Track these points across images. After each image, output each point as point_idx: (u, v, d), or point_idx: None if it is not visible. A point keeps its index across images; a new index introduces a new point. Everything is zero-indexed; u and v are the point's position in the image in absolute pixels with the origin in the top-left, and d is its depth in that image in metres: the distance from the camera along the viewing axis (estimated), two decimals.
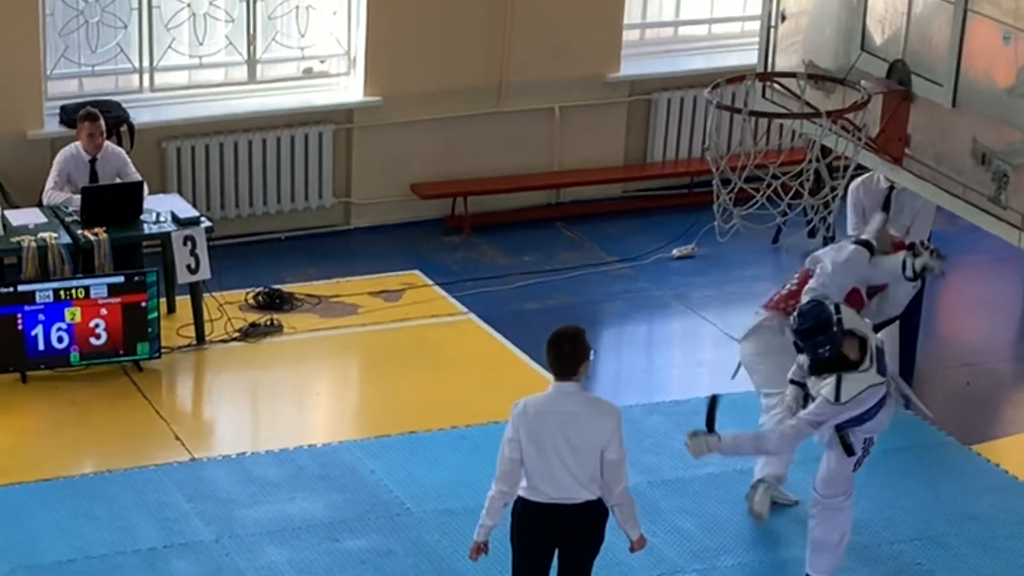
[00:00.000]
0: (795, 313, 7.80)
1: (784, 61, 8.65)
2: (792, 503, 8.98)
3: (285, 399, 10.28)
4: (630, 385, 10.55)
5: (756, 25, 12.43)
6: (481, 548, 7.23)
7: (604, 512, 7.16)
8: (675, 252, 12.26)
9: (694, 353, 11.07)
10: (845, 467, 8.05)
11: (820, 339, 7.63)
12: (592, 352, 7.05)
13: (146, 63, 11.95)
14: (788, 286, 8.79)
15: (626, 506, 7.13)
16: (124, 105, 11.74)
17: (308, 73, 12.42)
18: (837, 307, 7.73)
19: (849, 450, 7.94)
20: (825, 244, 10.90)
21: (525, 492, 7.12)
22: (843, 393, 7.62)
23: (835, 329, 7.63)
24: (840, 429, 7.90)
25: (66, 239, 10.35)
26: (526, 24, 12.52)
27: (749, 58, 11.41)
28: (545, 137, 12.88)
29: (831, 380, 7.62)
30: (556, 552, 7.26)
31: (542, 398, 7.07)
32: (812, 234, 11.99)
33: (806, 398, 7.89)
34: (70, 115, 11.40)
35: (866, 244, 8.60)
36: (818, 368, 7.71)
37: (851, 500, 8.15)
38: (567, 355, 6.98)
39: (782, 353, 8.35)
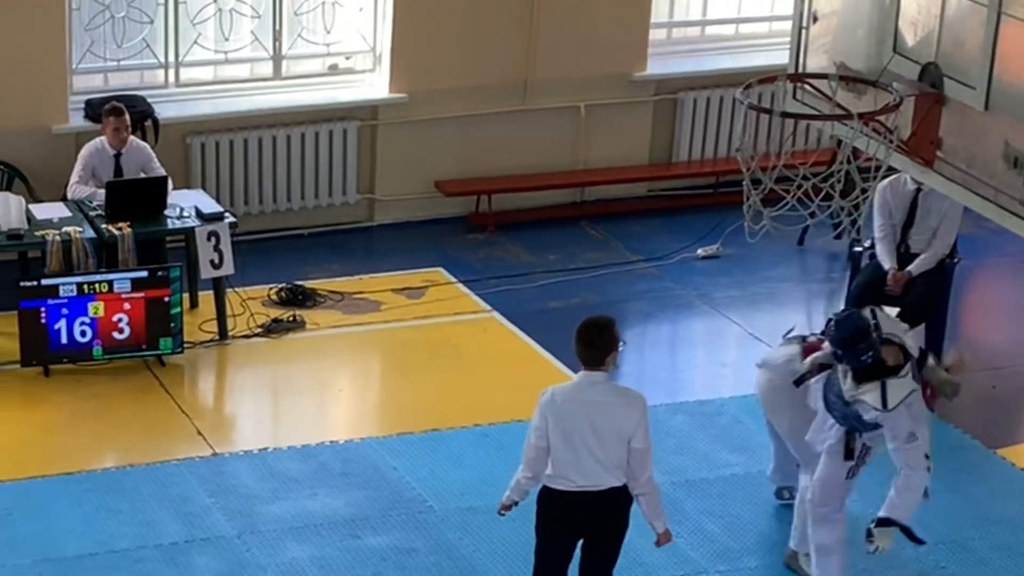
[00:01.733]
0: (831, 324, 7.75)
1: (815, 62, 8.62)
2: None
3: (307, 395, 10.27)
4: (654, 385, 10.50)
5: (784, 25, 12.52)
6: (507, 508, 7.37)
7: (628, 499, 7.22)
8: (700, 252, 12.23)
9: (718, 353, 11.04)
10: (838, 473, 8.00)
11: (861, 347, 7.59)
12: (621, 343, 7.13)
13: (171, 58, 11.95)
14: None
15: (651, 495, 7.19)
16: (149, 100, 11.75)
17: (333, 69, 12.41)
18: (874, 312, 7.69)
19: (849, 454, 7.89)
20: (852, 246, 10.88)
21: (550, 480, 7.18)
22: (889, 400, 7.56)
23: (874, 335, 7.59)
24: (850, 431, 7.88)
25: (90, 233, 10.35)
26: (552, 22, 12.50)
27: (776, 58, 11.42)
28: (570, 135, 12.86)
29: (875, 387, 7.57)
30: (579, 545, 7.29)
31: (570, 387, 7.16)
32: (839, 236, 11.96)
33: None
34: (95, 109, 11.41)
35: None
36: (860, 377, 7.64)
37: (843, 513, 8.07)
38: (595, 345, 7.05)
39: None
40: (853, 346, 7.60)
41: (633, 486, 7.15)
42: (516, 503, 7.35)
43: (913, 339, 8.04)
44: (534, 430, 7.14)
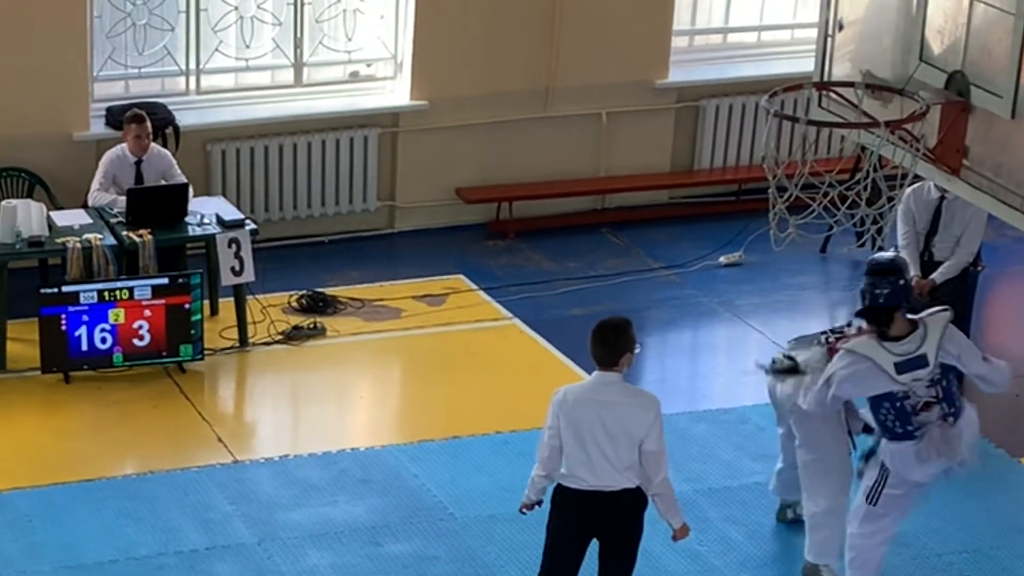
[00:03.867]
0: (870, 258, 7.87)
1: (840, 70, 8.59)
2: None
3: (328, 402, 10.27)
4: (676, 392, 10.49)
5: (806, 33, 12.51)
6: (528, 507, 7.39)
7: (643, 501, 7.22)
8: (722, 259, 12.20)
9: (740, 361, 10.99)
10: (862, 497, 8.00)
11: (885, 281, 7.63)
12: (637, 346, 7.14)
13: (192, 65, 11.95)
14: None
15: (666, 495, 7.18)
16: (170, 107, 11.74)
17: (354, 77, 12.40)
18: (909, 285, 7.82)
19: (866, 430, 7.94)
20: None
21: (563, 479, 7.20)
22: (856, 347, 7.67)
23: (901, 284, 7.66)
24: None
25: (111, 240, 10.35)
26: (574, 29, 12.48)
27: (798, 66, 11.41)
28: (592, 142, 12.83)
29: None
30: (593, 548, 7.28)
31: (583, 386, 7.20)
32: (863, 244, 11.90)
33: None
34: (116, 117, 11.42)
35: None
36: (863, 314, 7.72)
37: (880, 538, 7.99)
38: (610, 344, 7.07)
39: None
40: (881, 275, 7.64)
41: (647, 488, 7.16)
42: (537, 504, 7.35)
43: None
44: (547, 429, 7.19)
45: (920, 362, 7.64)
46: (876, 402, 7.77)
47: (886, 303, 7.66)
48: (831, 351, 8.12)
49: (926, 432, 7.72)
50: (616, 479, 7.08)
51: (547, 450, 7.19)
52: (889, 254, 8.05)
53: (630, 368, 7.24)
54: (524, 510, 7.41)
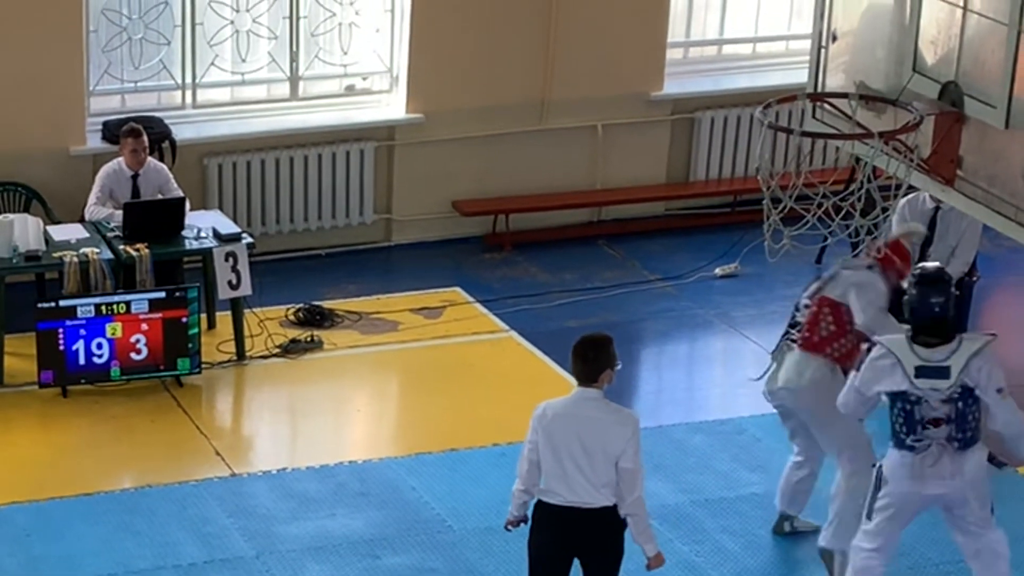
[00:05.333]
0: (917, 269, 7.77)
1: (834, 81, 8.63)
2: (815, 528, 8.90)
3: (325, 415, 10.29)
4: (672, 403, 10.53)
5: (800, 44, 12.54)
6: (512, 523, 7.39)
7: (622, 520, 7.19)
8: (718, 271, 12.22)
9: (736, 372, 10.99)
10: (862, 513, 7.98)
11: (938, 290, 7.57)
12: (618, 362, 7.13)
13: (189, 79, 11.98)
14: (820, 324, 8.58)
15: (639, 517, 7.15)
16: (166, 121, 11.77)
17: (350, 90, 12.43)
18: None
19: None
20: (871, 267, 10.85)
21: (542, 494, 7.21)
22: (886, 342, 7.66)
23: (953, 292, 7.61)
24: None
25: (108, 254, 10.37)
26: (569, 42, 12.51)
27: (793, 77, 11.45)
28: (587, 155, 12.87)
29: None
30: (575, 564, 7.27)
31: (563, 401, 7.20)
32: (857, 255, 11.93)
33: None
34: (113, 131, 11.45)
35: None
36: (917, 325, 7.62)
37: (877, 554, 7.93)
38: (589, 360, 7.09)
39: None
40: (934, 284, 7.58)
41: (620, 506, 7.12)
42: (523, 521, 7.34)
43: None
44: (527, 443, 7.21)
45: (942, 373, 7.55)
46: (892, 399, 7.70)
47: (942, 312, 7.59)
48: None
49: (927, 449, 7.64)
50: (593, 496, 7.08)
51: (526, 464, 7.21)
52: (934, 264, 7.95)
53: (623, 382, 7.25)
54: (509, 527, 7.42)
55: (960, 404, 7.59)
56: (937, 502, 7.85)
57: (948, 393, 7.56)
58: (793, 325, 8.63)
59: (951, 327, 7.63)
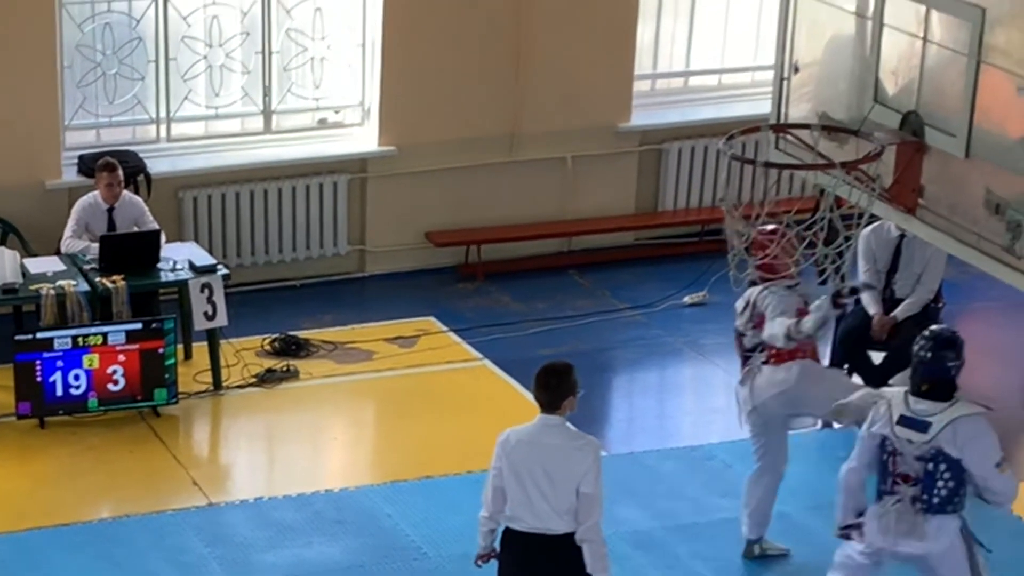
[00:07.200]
0: (931, 331, 7.72)
1: (797, 112, 8.69)
2: (783, 552, 9.03)
3: (302, 444, 10.35)
4: (643, 430, 10.63)
5: (766, 75, 12.64)
6: (482, 558, 7.38)
7: None
8: (687, 299, 12.34)
9: (706, 399, 11.14)
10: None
11: (952, 352, 7.58)
12: (580, 390, 7.17)
13: (163, 114, 12.07)
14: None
15: (595, 544, 7.14)
16: (141, 155, 11.85)
17: (323, 123, 12.54)
18: None
19: None
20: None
21: (508, 521, 7.26)
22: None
23: (964, 355, 7.61)
24: None
25: (84, 287, 10.44)
26: (538, 75, 12.65)
27: (759, 108, 11.54)
28: (557, 186, 12.99)
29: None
30: None
31: (526, 429, 7.24)
32: (824, 282, 12.05)
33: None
34: (88, 165, 11.51)
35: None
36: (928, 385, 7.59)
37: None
38: (552, 387, 7.15)
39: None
40: (950, 348, 7.57)
41: (578, 531, 7.13)
42: (490, 554, 7.36)
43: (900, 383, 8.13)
44: (491, 469, 7.26)
45: (922, 427, 7.48)
46: (879, 447, 7.67)
47: (956, 374, 7.59)
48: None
49: (890, 501, 7.61)
50: (556, 522, 7.13)
51: (490, 490, 7.26)
52: (947, 327, 7.92)
53: (594, 409, 7.30)
54: (479, 562, 7.41)
55: (931, 466, 7.50)
56: (908, 562, 7.77)
57: (922, 450, 7.49)
58: (752, 349, 8.78)
59: (953, 388, 7.60)
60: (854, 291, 8.65)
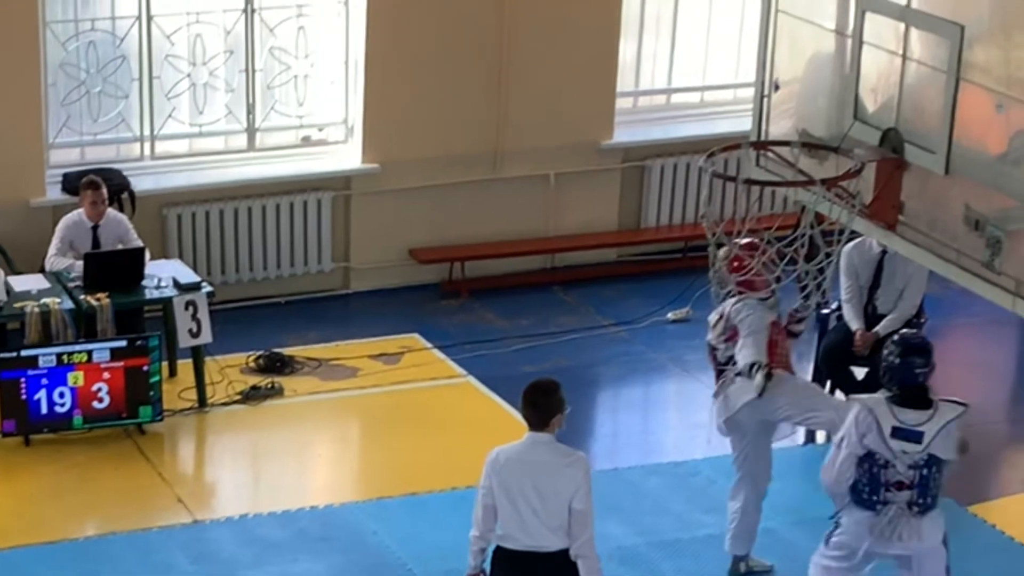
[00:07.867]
0: (899, 337, 7.76)
1: (777, 129, 8.74)
2: (768, 568, 9.05)
3: (286, 461, 10.36)
4: (627, 446, 10.65)
5: (747, 92, 12.68)
6: None
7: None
8: (670, 315, 12.38)
9: (691, 415, 11.15)
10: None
11: (922, 359, 7.58)
12: (567, 407, 7.20)
13: (147, 132, 12.09)
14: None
15: (589, 559, 7.18)
16: (125, 173, 11.87)
17: (307, 141, 12.57)
18: None
19: None
20: (818, 308, 11.07)
21: (500, 539, 7.27)
22: (866, 401, 7.73)
23: (934, 361, 7.62)
24: None
25: (69, 304, 10.44)
26: (521, 92, 12.70)
27: (741, 124, 11.59)
28: (541, 203, 13.04)
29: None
30: None
31: (515, 447, 7.25)
32: (806, 298, 12.10)
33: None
34: (72, 183, 11.54)
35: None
36: (900, 392, 7.62)
37: None
38: (539, 406, 7.17)
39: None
40: (920, 355, 7.58)
41: (572, 546, 7.16)
42: (480, 574, 7.36)
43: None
44: (481, 488, 7.27)
45: (916, 437, 7.54)
46: (860, 459, 7.68)
47: (925, 381, 7.62)
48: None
49: (887, 511, 7.66)
50: (549, 539, 7.15)
51: (480, 509, 7.27)
52: (917, 332, 7.95)
53: (579, 425, 7.30)
54: None
55: (925, 471, 7.60)
56: (893, 559, 7.85)
57: (916, 459, 7.57)
58: (725, 363, 8.82)
59: (930, 394, 7.65)
60: (802, 319, 8.79)
